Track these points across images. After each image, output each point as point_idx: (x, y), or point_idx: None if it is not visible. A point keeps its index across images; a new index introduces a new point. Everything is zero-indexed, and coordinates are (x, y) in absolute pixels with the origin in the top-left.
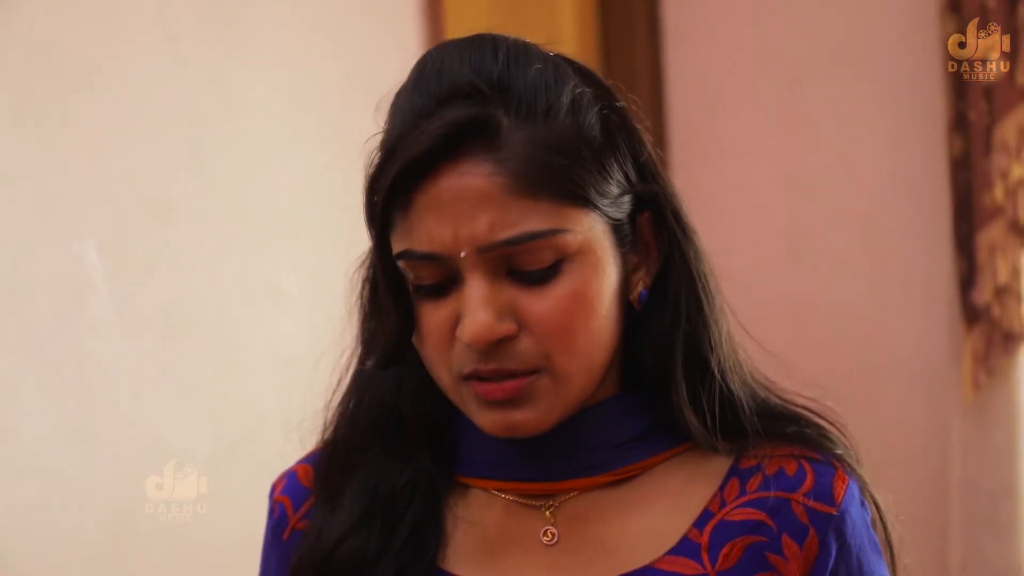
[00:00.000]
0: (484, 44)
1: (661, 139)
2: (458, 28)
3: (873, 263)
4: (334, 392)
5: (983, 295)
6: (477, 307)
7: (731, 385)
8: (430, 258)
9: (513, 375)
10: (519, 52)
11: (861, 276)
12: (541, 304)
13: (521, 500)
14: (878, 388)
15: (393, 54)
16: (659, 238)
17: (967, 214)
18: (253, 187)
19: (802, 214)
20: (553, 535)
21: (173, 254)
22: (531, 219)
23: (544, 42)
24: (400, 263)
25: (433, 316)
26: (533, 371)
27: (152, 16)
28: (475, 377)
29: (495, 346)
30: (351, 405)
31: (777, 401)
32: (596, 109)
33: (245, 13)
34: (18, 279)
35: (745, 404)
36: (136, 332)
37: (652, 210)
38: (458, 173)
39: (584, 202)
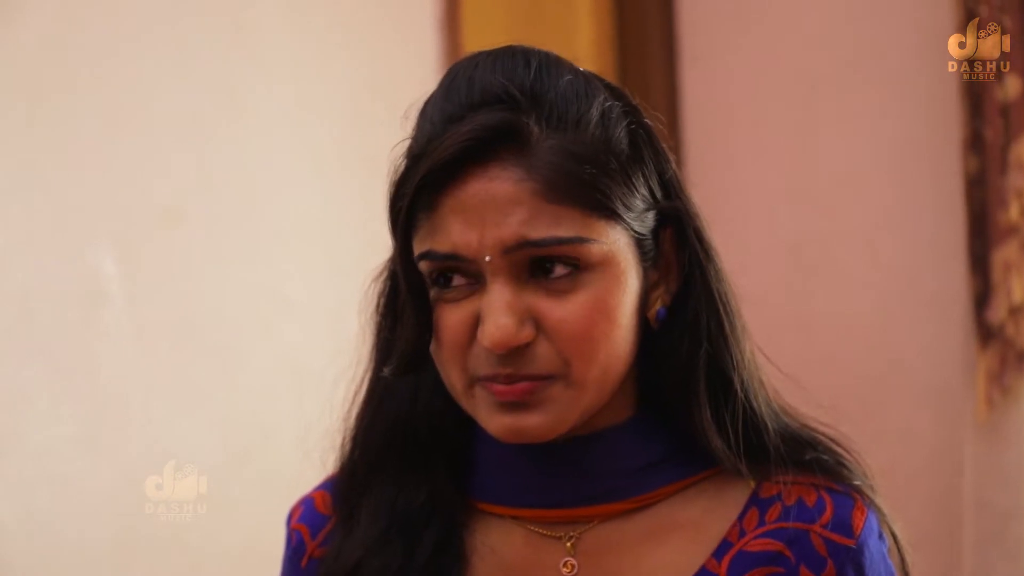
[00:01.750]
0: (516, 54)
1: (676, 154)
2: (474, 40)
3: (887, 280)
4: (350, 407)
5: (998, 314)
6: (499, 312)
7: (755, 405)
8: (452, 258)
9: (528, 379)
10: (550, 63)
11: (875, 292)
12: (562, 310)
13: (541, 531)
14: (890, 405)
15: (408, 63)
16: (680, 256)
17: (982, 232)
18: (264, 196)
19: (816, 229)
20: (573, 567)
21: (184, 262)
22: (558, 225)
23: (561, 56)
24: (421, 264)
25: (451, 318)
26: (548, 376)
27: (164, 26)
28: (491, 380)
29: (514, 351)
30: (366, 422)
31: (797, 425)
32: (624, 123)
33: (257, 22)
34: (29, 287)
35: (770, 424)
36: (146, 340)
37: (675, 227)
38: (487, 177)
39: (611, 214)
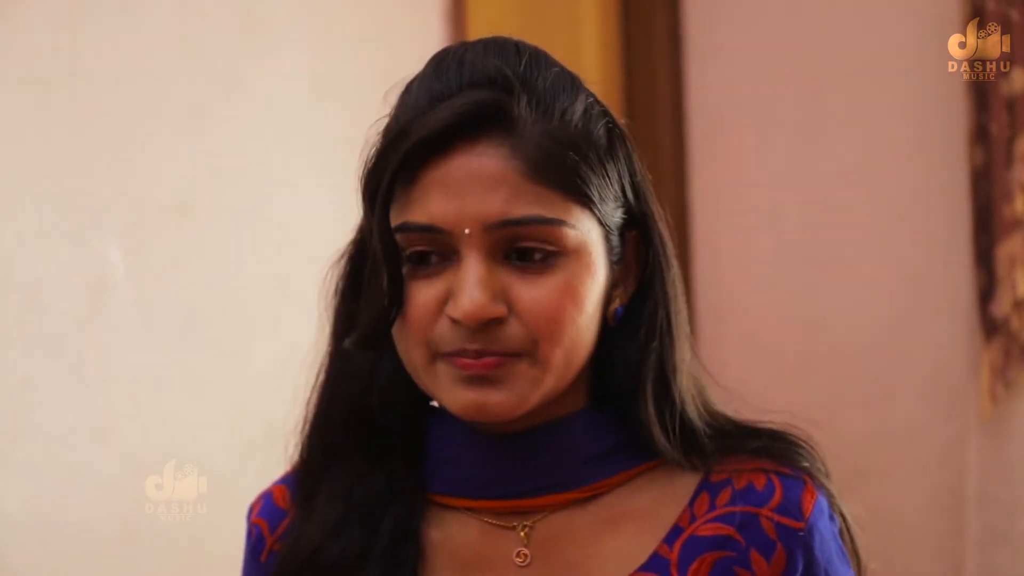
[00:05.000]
0: (506, 43)
1: (681, 149)
2: (480, 31)
3: (892, 275)
4: (310, 393)
5: (1002, 308)
6: (473, 285)
7: (687, 410)
8: (428, 230)
9: (495, 355)
10: (540, 55)
11: (880, 287)
12: (535, 292)
13: (495, 522)
14: (894, 400)
15: (414, 55)
16: (640, 259)
17: (987, 226)
18: (272, 188)
19: (821, 225)
20: (526, 556)
21: (192, 254)
22: (541, 205)
23: (567, 53)
24: (398, 236)
25: (422, 293)
26: (515, 354)
27: (173, 18)
28: (457, 355)
29: (483, 327)
30: (323, 408)
31: (733, 425)
32: (603, 121)
33: (265, 14)
34: (38, 277)
35: (700, 429)
36: (155, 331)
37: (640, 231)
38: (474, 153)
39: (587, 201)
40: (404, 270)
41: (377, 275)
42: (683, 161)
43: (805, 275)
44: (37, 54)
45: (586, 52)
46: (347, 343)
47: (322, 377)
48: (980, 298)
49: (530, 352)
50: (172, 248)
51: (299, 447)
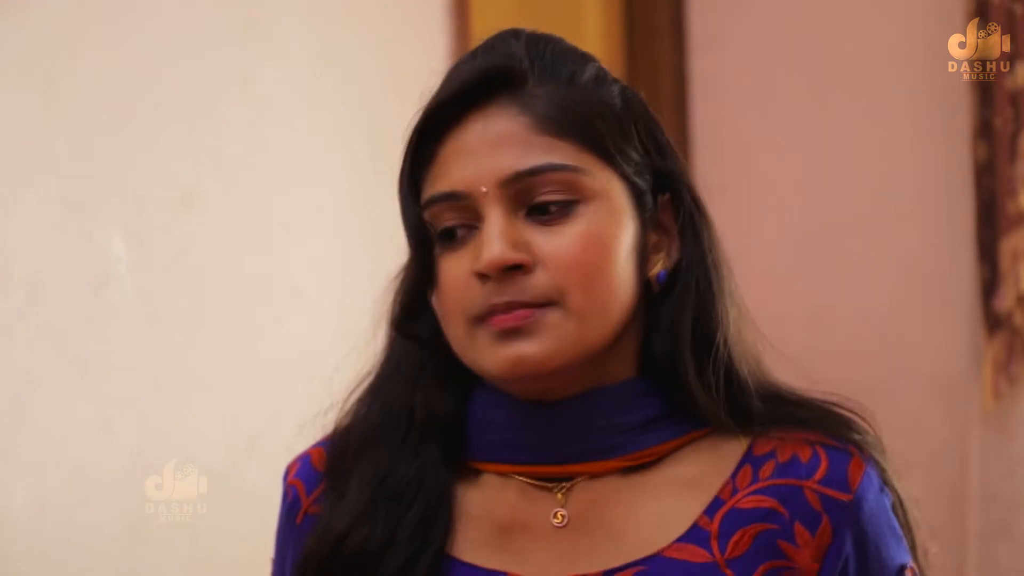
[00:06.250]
0: (519, 30)
1: (684, 143)
2: (484, 26)
3: (895, 269)
4: (356, 386)
5: (1005, 302)
6: (493, 236)
7: (737, 366)
8: (451, 197)
9: (524, 306)
10: (548, 35)
11: (883, 282)
12: (556, 240)
13: (534, 482)
14: (897, 395)
15: (419, 52)
16: (678, 222)
17: (991, 221)
18: (276, 183)
19: (824, 219)
20: (563, 517)
21: (195, 248)
22: (553, 154)
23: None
24: (426, 213)
25: (454, 266)
26: (544, 303)
27: (178, 11)
28: (490, 314)
29: (508, 276)
30: (368, 400)
31: (786, 390)
32: (618, 87)
33: (269, 8)
34: (42, 271)
35: (751, 387)
36: (158, 326)
37: (671, 192)
38: (485, 118)
39: (604, 152)
40: (436, 249)
41: (410, 254)
42: (685, 154)
43: (807, 269)
44: (40, 46)
45: (589, 43)
46: (390, 323)
47: (372, 376)
48: (983, 293)
49: (560, 301)
50: (175, 242)
51: (336, 435)
